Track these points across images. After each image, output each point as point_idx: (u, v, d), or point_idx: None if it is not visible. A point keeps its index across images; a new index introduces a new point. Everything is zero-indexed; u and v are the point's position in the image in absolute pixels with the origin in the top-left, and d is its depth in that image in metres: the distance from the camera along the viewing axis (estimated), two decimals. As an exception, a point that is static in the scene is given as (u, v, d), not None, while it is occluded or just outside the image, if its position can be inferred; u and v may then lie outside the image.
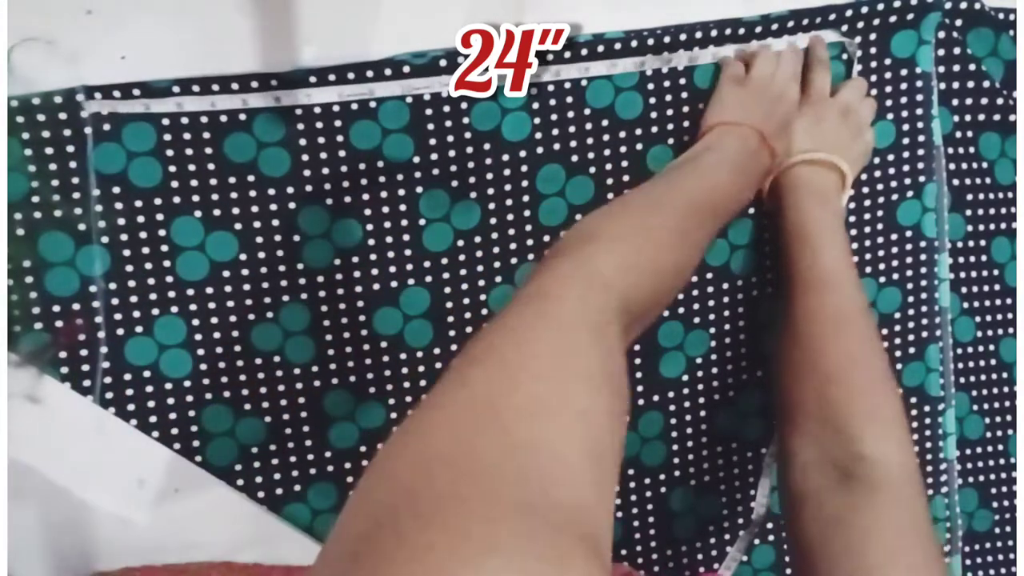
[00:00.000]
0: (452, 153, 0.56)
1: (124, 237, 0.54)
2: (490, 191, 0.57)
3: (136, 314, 0.55)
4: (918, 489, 0.46)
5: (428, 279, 0.58)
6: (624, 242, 0.42)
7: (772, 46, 0.59)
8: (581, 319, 0.35)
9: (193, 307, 0.55)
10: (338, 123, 0.54)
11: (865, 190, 0.63)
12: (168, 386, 0.56)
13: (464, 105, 0.55)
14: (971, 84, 0.63)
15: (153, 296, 0.55)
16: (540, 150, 0.57)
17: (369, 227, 0.57)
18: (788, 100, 0.57)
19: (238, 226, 0.55)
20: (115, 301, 0.54)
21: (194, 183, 0.54)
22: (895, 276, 0.65)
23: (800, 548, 0.47)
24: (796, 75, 0.58)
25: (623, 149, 0.58)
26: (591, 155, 0.58)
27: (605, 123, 0.58)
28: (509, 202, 0.58)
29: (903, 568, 0.42)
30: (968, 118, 0.64)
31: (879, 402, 0.49)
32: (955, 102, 0.64)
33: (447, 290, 0.58)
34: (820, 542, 0.45)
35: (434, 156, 0.56)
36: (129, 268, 0.54)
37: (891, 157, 0.63)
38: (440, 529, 0.23)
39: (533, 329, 0.33)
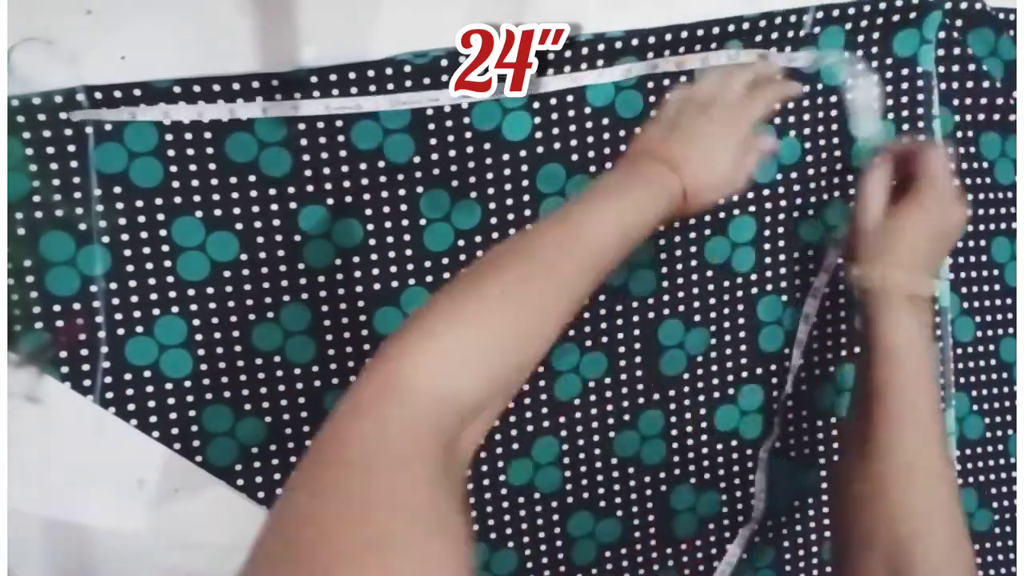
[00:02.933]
0: (452, 153, 0.56)
1: (125, 237, 0.54)
2: (490, 191, 0.57)
3: (136, 314, 0.55)
4: None
5: (428, 279, 0.58)
6: (458, 327, 0.38)
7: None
8: (411, 454, 0.33)
9: (193, 307, 0.55)
10: (339, 123, 0.54)
11: (865, 190, 0.63)
12: (168, 386, 0.56)
13: (464, 105, 0.55)
14: (971, 84, 0.63)
15: (153, 296, 0.55)
16: (540, 150, 0.57)
17: (369, 227, 0.56)
18: (707, 112, 0.51)
19: (239, 226, 0.55)
20: (115, 301, 0.54)
21: (195, 183, 0.54)
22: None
23: None
24: (716, 88, 0.53)
25: (623, 148, 0.58)
26: (591, 155, 0.58)
27: (605, 122, 0.58)
28: (509, 202, 0.58)
29: None
30: (968, 118, 0.64)
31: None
32: (956, 102, 0.64)
33: (447, 290, 0.58)
34: None
35: (434, 156, 0.56)
36: (130, 268, 0.54)
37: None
38: None
39: (357, 467, 0.32)
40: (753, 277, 0.63)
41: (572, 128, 0.57)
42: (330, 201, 0.56)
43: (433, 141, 0.56)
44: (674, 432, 0.64)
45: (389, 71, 0.54)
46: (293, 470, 0.33)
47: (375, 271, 0.57)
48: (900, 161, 0.55)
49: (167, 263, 0.55)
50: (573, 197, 0.51)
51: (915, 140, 0.57)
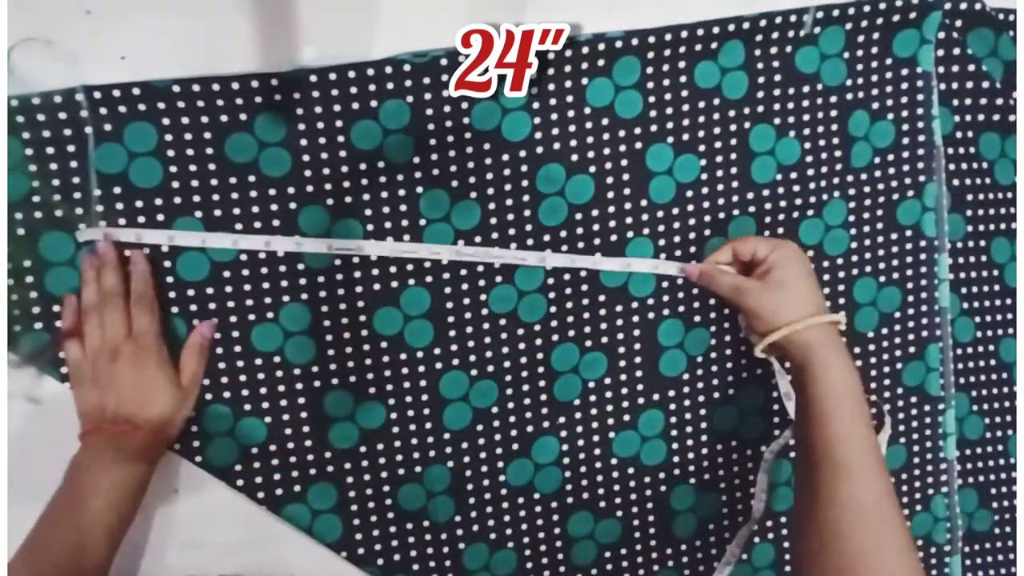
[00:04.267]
0: (452, 153, 0.56)
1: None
2: (490, 191, 0.57)
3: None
4: None
5: (428, 279, 0.58)
6: None
7: None
8: None
9: (193, 307, 0.55)
10: (339, 123, 0.54)
11: (866, 189, 0.63)
12: (168, 386, 0.56)
13: (464, 105, 0.55)
14: (971, 84, 0.63)
15: (153, 296, 0.55)
16: (540, 150, 0.57)
17: (369, 227, 0.56)
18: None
19: (238, 226, 0.55)
20: (115, 301, 0.54)
21: (195, 183, 0.54)
22: (895, 276, 0.65)
23: None
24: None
25: (623, 148, 0.58)
26: (591, 154, 0.58)
27: (605, 122, 0.58)
28: (509, 202, 0.58)
29: None
30: (968, 118, 0.64)
31: None
32: (955, 102, 0.64)
33: (447, 290, 0.58)
34: None
35: (434, 156, 0.56)
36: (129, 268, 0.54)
37: (891, 157, 0.63)
38: None
39: None
40: None
41: (572, 128, 0.57)
42: (329, 201, 0.56)
43: (433, 141, 0.56)
44: (674, 432, 0.64)
45: (389, 71, 0.54)
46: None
47: (375, 271, 0.57)
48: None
49: (167, 263, 0.55)
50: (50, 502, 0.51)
51: (722, 247, 0.59)
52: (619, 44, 0.56)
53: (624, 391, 0.63)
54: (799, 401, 0.54)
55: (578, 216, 0.59)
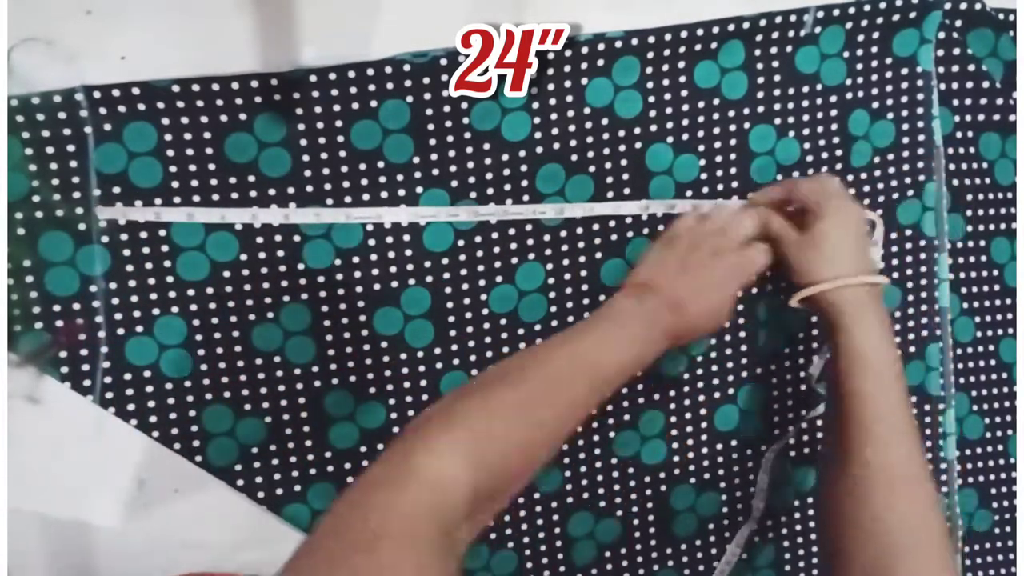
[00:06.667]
0: (452, 153, 0.56)
1: (124, 237, 0.54)
2: (490, 191, 0.57)
3: (136, 314, 0.55)
4: None
5: (428, 279, 0.58)
6: (469, 428, 0.41)
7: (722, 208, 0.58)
8: (414, 535, 0.36)
9: (193, 307, 0.55)
10: (339, 123, 0.54)
11: (866, 189, 0.63)
12: (168, 386, 0.56)
13: (464, 105, 0.55)
14: (971, 84, 0.63)
15: (153, 296, 0.55)
16: (540, 150, 0.57)
17: (369, 227, 0.56)
18: (716, 257, 0.54)
19: (238, 226, 0.55)
20: (115, 301, 0.54)
21: (195, 183, 0.54)
22: (895, 275, 0.65)
23: None
24: (726, 229, 0.55)
25: (623, 148, 0.58)
26: (591, 154, 0.58)
27: (605, 122, 0.58)
28: (509, 202, 0.58)
29: None
30: (968, 118, 0.64)
31: None
32: (955, 102, 0.64)
33: (447, 290, 0.58)
34: None
35: (434, 156, 0.56)
36: (129, 268, 0.54)
37: (891, 156, 0.63)
38: None
39: (363, 544, 0.35)
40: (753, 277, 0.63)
41: (572, 128, 0.57)
42: (330, 201, 0.56)
43: (433, 141, 0.56)
44: (674, 432, 0.64)
45: (389, 71, 0.54)
46: (304, 546, 0.37)
47: (375, 271, 0.57)
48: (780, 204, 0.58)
49: (166, 263, 0.55)
50: (582, 322, 0.52)
51: (777, 185, 0.59)
52: (619, 44, 0.56)
53: (624, 391, 0.63)
54: (830, 357, 0.54)
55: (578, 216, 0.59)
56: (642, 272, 0.55)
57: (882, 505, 0.48)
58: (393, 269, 0.57)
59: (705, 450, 0.65)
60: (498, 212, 0.58)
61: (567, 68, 0.56)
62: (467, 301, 0.59)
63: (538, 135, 0.57)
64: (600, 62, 0.56)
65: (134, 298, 0.55)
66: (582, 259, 0.60)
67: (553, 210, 0.59)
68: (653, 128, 0.59)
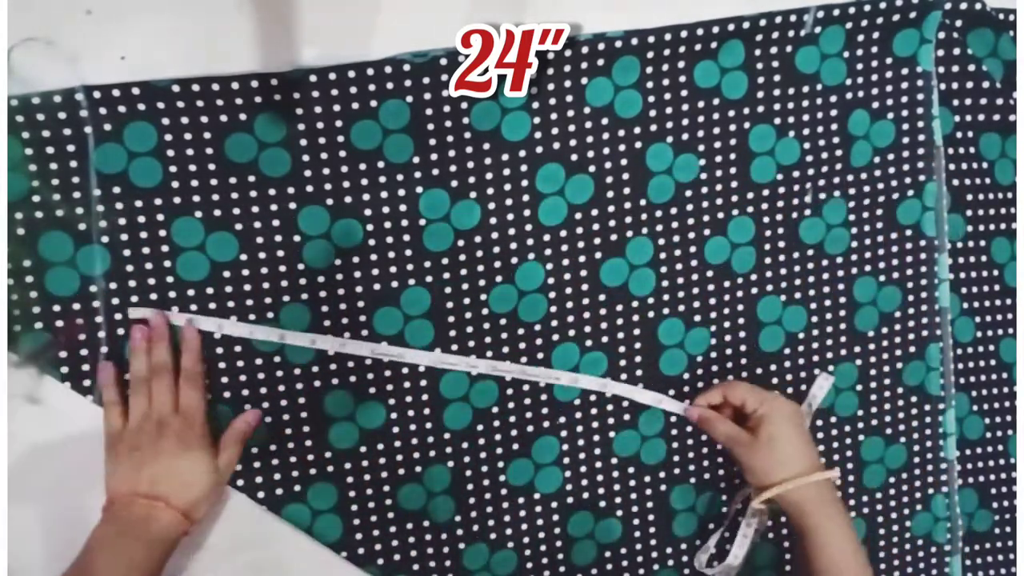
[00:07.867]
0: (452, 153, 0.56)
1: (124, 237, 0.54)
2: (490, 191, 0.58)
3: (136, 314, 0.55)
4: None
5: (428, 279, 0.58)
6: None
7: None
8: None
9: (193, 307, 0.55)
10: (339, 123, 0.54)
11: (866, 189, 0.63)
12: (168, 386, 0.56)
13: (464, 105, 0.55)
14: (971, 84, 0.63)
15: (153, 296, 0.55)
16: (540, 150, 0.57)
17: (369, 227, 0.57)
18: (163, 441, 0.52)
19: (238, 226, 0.55)
20: (115, 301, 0.54)
21: (195, 183, 0.54)
22: (895, 276, 0.65)
23: None
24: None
25: (622, 148, 0.59)
26: (591, 154, 0.58)
27: (605, 122, 0.58)
28: (509, 202, 0.58)
29: None
30: (968, 118, 0.64)
31: None
32: (955, 102, 0.64)
33: (447, 290, 0.58)
34: None
35: (434, 156, 0.56)
36: (129, 268, 0.54)
37: (891, 156, 0.63)
38: None
39: None
40: (753, 277, 0.63)
41: (571, 128, 0.57)
42: (329, 201, 0.56)
43: (433, 141, 0.56)
44: (674, 432, 0.65)
45: (389, 71, 0.54)
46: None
47: (375, 271, 0.57)
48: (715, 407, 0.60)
49: (167, 263, 0.55)
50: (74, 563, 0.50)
51: (713, 388, 0.60)
52: (619, 44, 0.56)
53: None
54: (798, 548, 0.56)
55: (578, 216, 0.59)
56: (110, 490, 0.52)
57: None
58: (393, 269, 0.57)
59: (705, 450, 0.65)
60: (515, 370, 0.60)
61: (567, 68, 0.56)
62: (467, 301, 0.59)
63: (538, 135, 0.57)
64: (600, 62, 0.56)
65: (134, 298, 0.55)
66: (582, 259, 0.60)
67: (567, 378, 0.61)
68: (653, 128, 0.59)
